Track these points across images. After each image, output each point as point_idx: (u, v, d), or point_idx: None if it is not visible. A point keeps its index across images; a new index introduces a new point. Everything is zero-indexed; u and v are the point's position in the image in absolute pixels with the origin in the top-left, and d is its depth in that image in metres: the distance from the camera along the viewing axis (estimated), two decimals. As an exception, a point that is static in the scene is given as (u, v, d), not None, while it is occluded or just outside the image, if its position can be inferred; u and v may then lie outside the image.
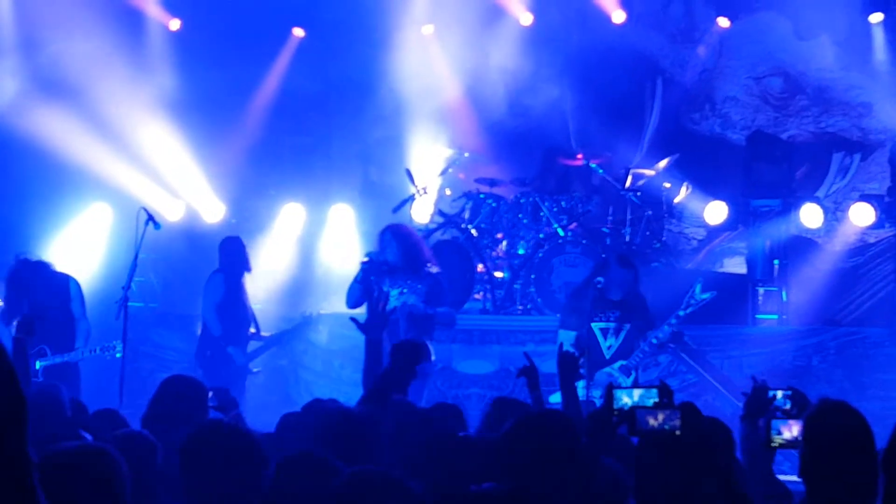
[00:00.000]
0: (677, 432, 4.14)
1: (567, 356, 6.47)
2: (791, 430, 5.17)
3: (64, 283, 10.52)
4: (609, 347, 9.66)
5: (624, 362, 9.63)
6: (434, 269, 10.25)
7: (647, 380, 9.84)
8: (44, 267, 10.44)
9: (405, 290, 9.98)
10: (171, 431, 5.92)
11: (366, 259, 10.20)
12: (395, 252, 10.06)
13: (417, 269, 10.08)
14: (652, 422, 4.15)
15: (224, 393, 6.89)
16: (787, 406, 5.73)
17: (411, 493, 4.05)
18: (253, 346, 11.69)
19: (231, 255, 11.64)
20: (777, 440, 5.18)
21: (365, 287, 10.04)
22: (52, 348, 10.25)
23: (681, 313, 9.58)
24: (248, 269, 11.68)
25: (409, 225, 11.90)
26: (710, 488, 4.09)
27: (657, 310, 9.95)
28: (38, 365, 10.14)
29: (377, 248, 10.29)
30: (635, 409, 4.28)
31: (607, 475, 4.73)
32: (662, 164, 14.05)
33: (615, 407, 4.48)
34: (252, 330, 11.67)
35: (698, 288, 9.60)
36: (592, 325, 9.63)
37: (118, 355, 10.42)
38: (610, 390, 4.52)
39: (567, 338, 9.65)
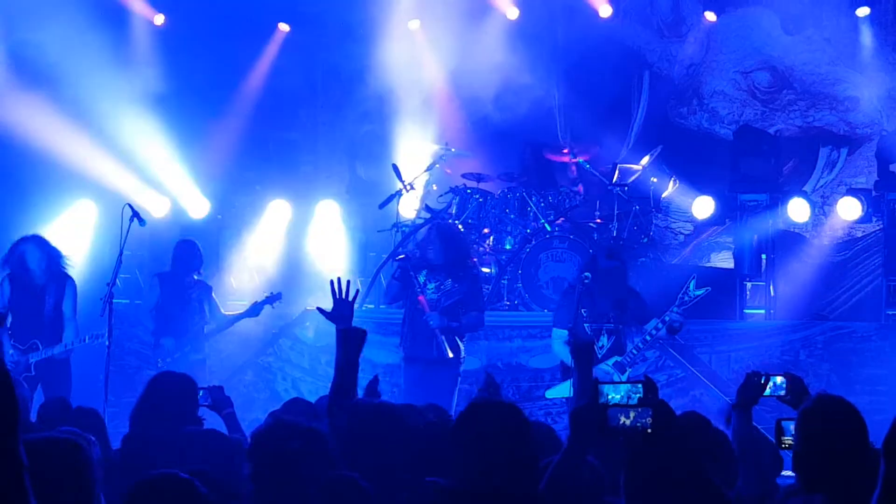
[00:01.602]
0: (648, 430, 4.11)
1: (580, 343, 6.33)
2: None
3: (62, 280, 10.62)
4: (601, 347, 9.65)
5: (619, 358, 9.62)
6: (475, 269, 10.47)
7: (634, 375, 9.82)
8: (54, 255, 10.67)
9: (442, 287, 10.08)
10: (161, 428, 5.89)
11: (401, 256, 10.32)
12: (437, 251, 10.13)
13: (457, 269, 10.18)
14: (623, 419, 4.13)
15: (217, 391, 6.85)
16: (783, 393, 5.68)
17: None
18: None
19: (178, 258, 11.95)
20: (786, 441, 5.13)
21: (403, 283, 10.18)
22: (42, 343, 10.35)
23: (675, 309, 9.56)
24: (197, 271, 11.92)
25: (455, 225, 12.03)
26: (689, 483, 4.07)
27: (648, 304, 9.95)
28: (31, 360, 10.33)
29: (422, 243, 10.39)
30: (607, 406, 4.25)
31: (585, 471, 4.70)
32: (645, 160, 14.06)
33: (601, 402, 4.43)
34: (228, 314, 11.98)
35: (692, 284, 9.57)
36: (585, 325, 9.63)
37: (106, 343, 10.50)
38: (595, 385, 4.48)
39: (560, 336, 9.64)
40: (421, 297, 9.99)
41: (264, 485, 4.51)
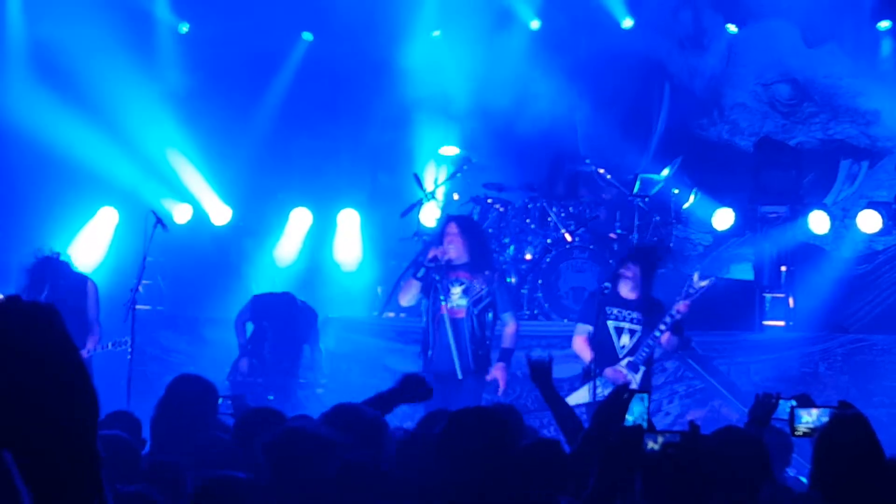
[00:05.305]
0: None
1: (536, 363, 6.22)
2: (811, 415, 5.20)
3: (81, 283, 10.57)
4: (622, 346, 9.57)
5: (631, 359, 9.54)
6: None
7: (655, 385, 9.82)
8: (63, 265, 10.47)
9: (470, 290, 9.50)
10: (181, 431, 5.93)
11: (431, 256, 9.52)
12: (459, 247, 9.48)
13: (481, 268, 9.60)
14: (651, 444, 4.12)
15: (239, 400, 6.89)
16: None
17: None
18: None
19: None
20: (800, 429, 5.18)
21: (424, 286, 9.55)
22: None
23: (680, 300, 9.43)
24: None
25: (474, 218, 11.90)
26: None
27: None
28: None
29: (437, 238, 9.77)
30: (642, 430, 4.21)
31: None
32: (665, 172, 14.05)
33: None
34: None
35: (696, 275, 9.42)
36: (608, 322, 9.53)
37: (128, 350, 10.47)
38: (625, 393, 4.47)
39: (582, 330, 9.60)
40: (443, 308, 9.44)
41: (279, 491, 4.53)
